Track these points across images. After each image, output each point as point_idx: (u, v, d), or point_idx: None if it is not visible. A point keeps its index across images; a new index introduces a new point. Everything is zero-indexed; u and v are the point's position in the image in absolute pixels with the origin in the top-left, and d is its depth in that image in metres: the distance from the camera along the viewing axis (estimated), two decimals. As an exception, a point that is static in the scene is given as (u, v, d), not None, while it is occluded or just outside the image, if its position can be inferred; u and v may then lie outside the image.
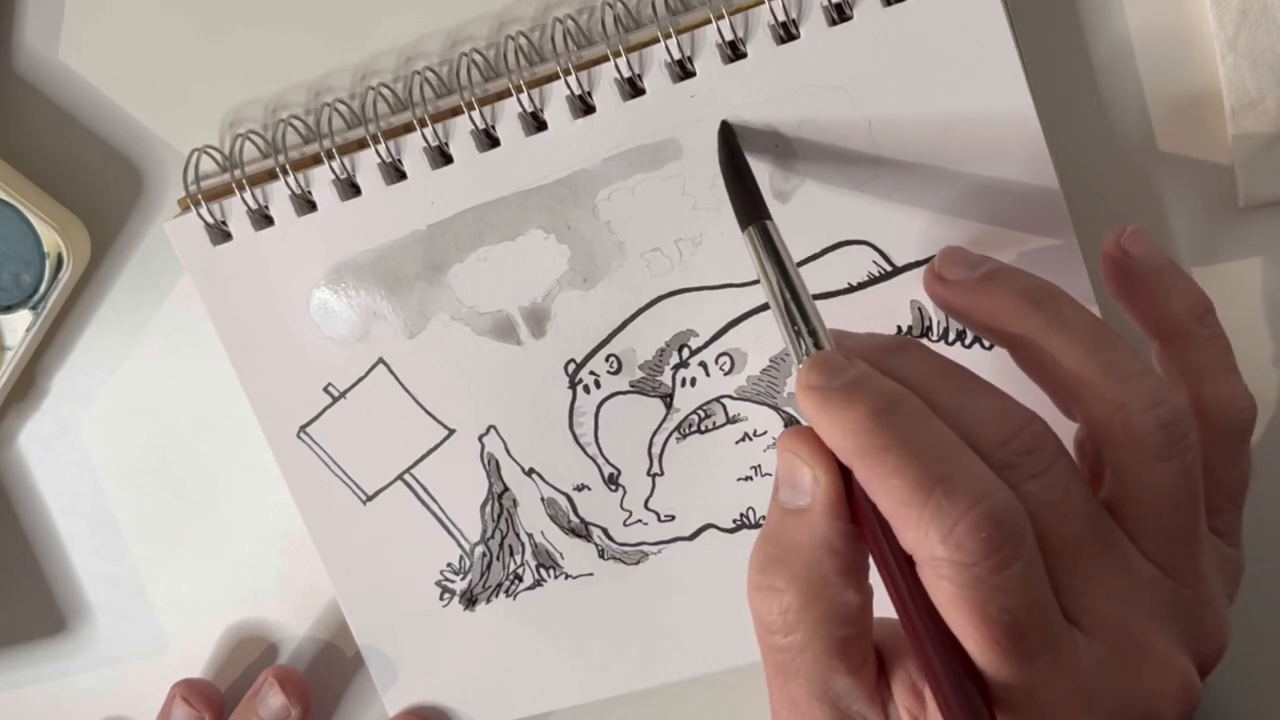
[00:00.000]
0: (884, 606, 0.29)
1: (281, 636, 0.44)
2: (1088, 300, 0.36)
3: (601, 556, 0.40)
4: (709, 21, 0.36)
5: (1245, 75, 0.36)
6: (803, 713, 0.29)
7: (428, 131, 0.38)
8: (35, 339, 0.41)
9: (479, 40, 0.39)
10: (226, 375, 0.40)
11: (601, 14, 0.38)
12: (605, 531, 0.40)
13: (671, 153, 0.37)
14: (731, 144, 0.36)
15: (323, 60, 0.40)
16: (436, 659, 0.41)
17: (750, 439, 0.39)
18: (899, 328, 0.37)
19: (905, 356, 0.30)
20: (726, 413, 0.39)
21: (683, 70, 0.37)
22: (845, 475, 0.28)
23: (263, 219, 0.39)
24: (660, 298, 0.38)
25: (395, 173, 0.39)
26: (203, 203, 0.39)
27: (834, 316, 0.37)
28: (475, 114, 0.37)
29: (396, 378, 0.40)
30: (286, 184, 0.39)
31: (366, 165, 0.38)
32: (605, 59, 0.37)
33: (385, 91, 0.39)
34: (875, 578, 0.29)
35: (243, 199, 0.39)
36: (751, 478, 0.39)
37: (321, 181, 0.39)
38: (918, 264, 0.37)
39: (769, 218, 0.32)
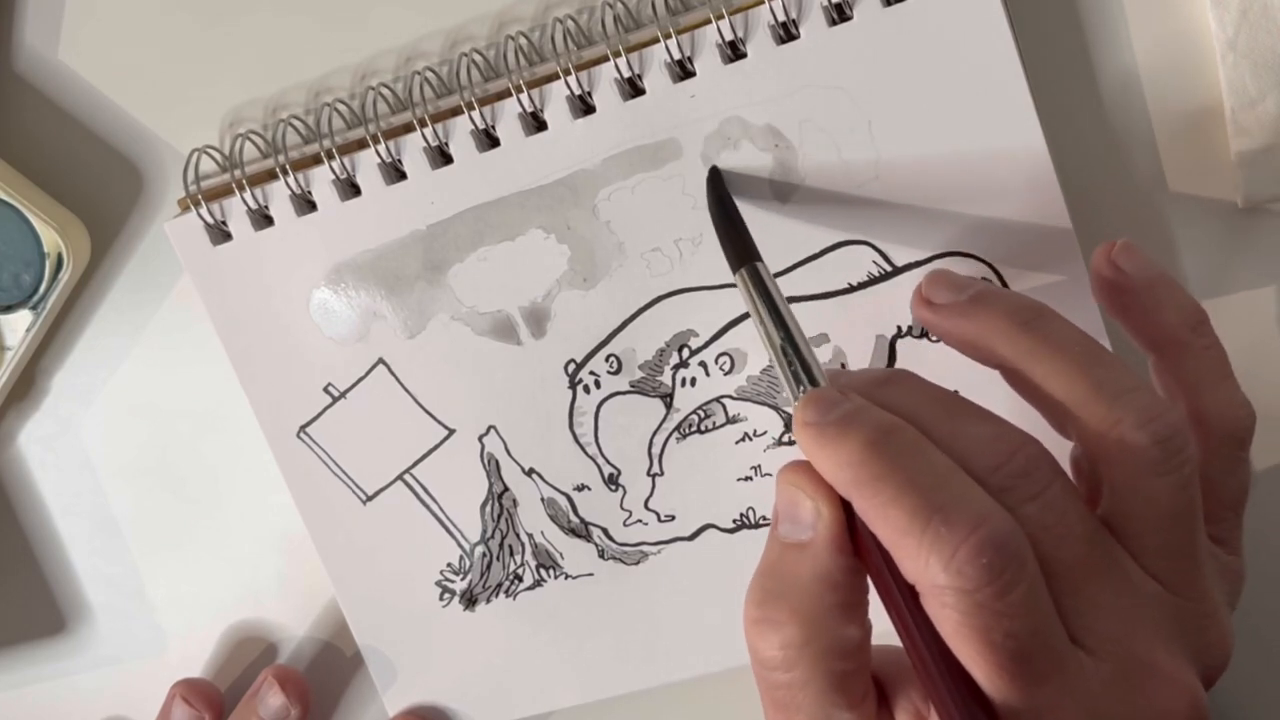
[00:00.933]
0: (881, 634, 0.29)
1: (281, 636, 0.44)
2: (1088, 302, 0.36)
3: (601, 556, 0.40)
4: (709, 21, 0.36)
5: (1245, 75, 0.36)
6: None
7: (428, 131, 0.38)
8: (35, 339, 0.41)
9: (479, 40, 0.39)
10: (226, 375, 0.40)
11: (601, 14, 0.38)
12: (605, 531, 0.40)
13: (671, 153, 0.37)
14: (720, 189, 0.36)
15: (323, 60, 0.40)
16: (436, 659, 0.41)
17: (750, 439, 0.39)
18: (899, 328, 0.37)
19: (898, 387, 0.30)
20: (726, 413, 0.39)
21: (683, 70, 0.37)
22: (847, 509, 0.28)
23: (263, 219, 0.39)
24: (660, 298, 0.38)
25: (395, 173, 0.39)
26: (203, 203, 0.39)
27: (834, 316, 0.37)
28: (475, 114, 0.37)
29: (396, 378, 0.40)
30: (286, 184, 0.39)
31: (366, 165, 0.38)
32: (605, 59, 0.37)
33: (385, 91, 0.39)
34: (877, 611, 0.29)
35: (243, 199, 0.39)
36: (751, 478, 0.39)
37: (321, 181, 0.39)
38: (918, 264, 0.37)
39: (759, 259, 0.33)
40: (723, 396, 0.39)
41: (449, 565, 0.41)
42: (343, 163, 0.38)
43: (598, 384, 0.39)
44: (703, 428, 0.39)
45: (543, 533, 0.40)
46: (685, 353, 0.38)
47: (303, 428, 0.40)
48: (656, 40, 0.36)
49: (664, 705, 0.42)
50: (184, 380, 0.43)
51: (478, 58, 0.38)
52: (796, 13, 0.36)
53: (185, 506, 0.44)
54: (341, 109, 0.40)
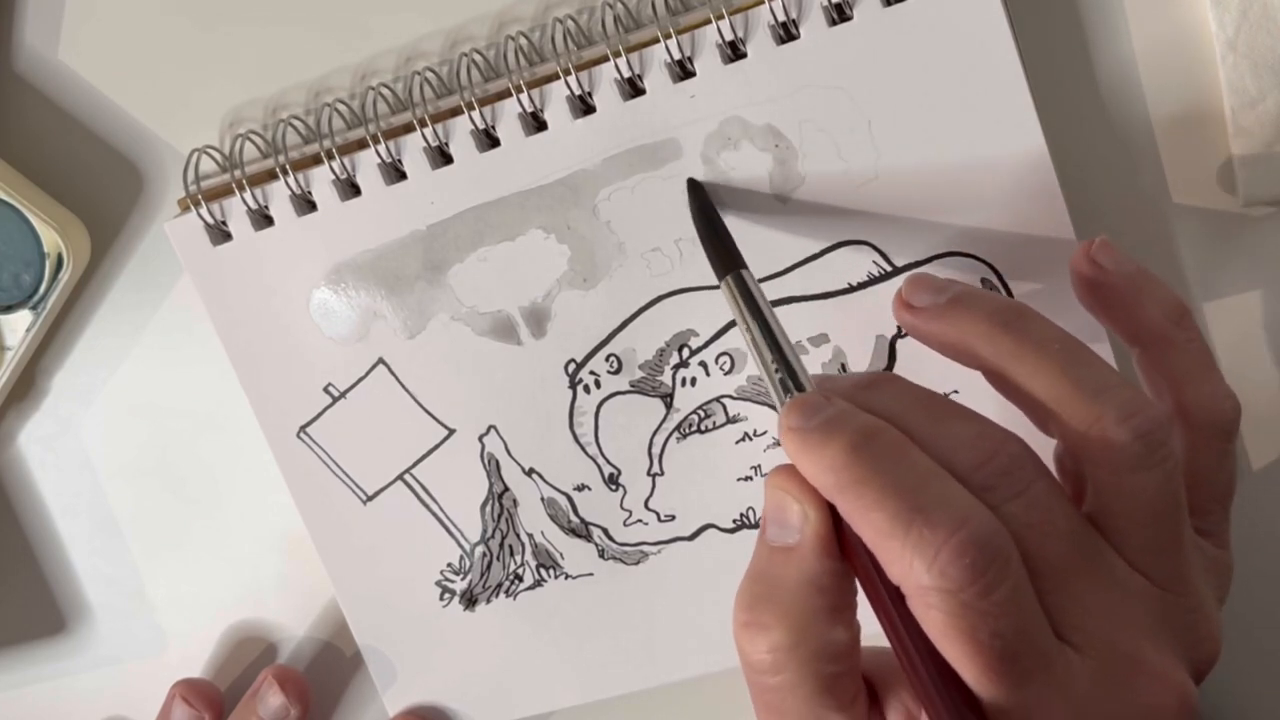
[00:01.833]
0: (871, 635, 0.29)
1: (281, 636, 0.44)
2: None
3: (601, 556, 0.40)
4: (709, 21, 0.36)
5: (1245, 75, 0.36)
6: None
7: (428, 131, 0.38)
8: (35, 339, 0.41)
9: (479, 40, 0.39)
10: (226, 375, 0.40)
11: (601, 14, 0.38)
12: (605, 531, 0.40)
13: (671, 153, 0.37)
14: (701, 199, 0.36)
15: (323, 60, 0.40)
16: (436, 659, 0.41)
17: (750, 439, 0.39)
18: (899, 328, 0.37)
19: (882, 390, 0.30)
20: (726, 412, 0.39)
21: (683, 70, 0.37)
22: (834, 513, 0.28)
23: (263, 219, 0.39)
24: (660, 297, 0.38)
25: (395, 173, 0.39)
26: (203, 203, 0.39)
27: (834, 316, 0.37)
28: (475, 114, 0.37)
29: (396, 378, 0.40)
30: (286, 184, 0.39)
31: (366, 165, 0.38)
32: (605, 59, 0.37)
33: (385, 91, 0.39)
34: (866, 613, 0.29)
35: (243, 199, 0.39)
36: (751, 478, 0.39)
37: (321, 181, 0.39)
38: (918, 264, 0.37)
39: (744, 267, 0.33)
40: (723, 396, 0.39)
41: (449, 565, 0.41)
42: (343, 163, 0.38)
43: (598, 384, 0.39)
44: (703, 428, 0.39)
45: (543, 533, 0.40)
46: (685, 352, 0.38)
47: (303, 428, 0.40)
48: (656, 40, 0.36)
49: (664, 705, 0.42)
50: (184, 380, 0.43)
51: (478, 58, 0.38)
52: (796, 13, 0.36)
53: (185, 506, 0.44)
54: (341, 109, 0.40)
